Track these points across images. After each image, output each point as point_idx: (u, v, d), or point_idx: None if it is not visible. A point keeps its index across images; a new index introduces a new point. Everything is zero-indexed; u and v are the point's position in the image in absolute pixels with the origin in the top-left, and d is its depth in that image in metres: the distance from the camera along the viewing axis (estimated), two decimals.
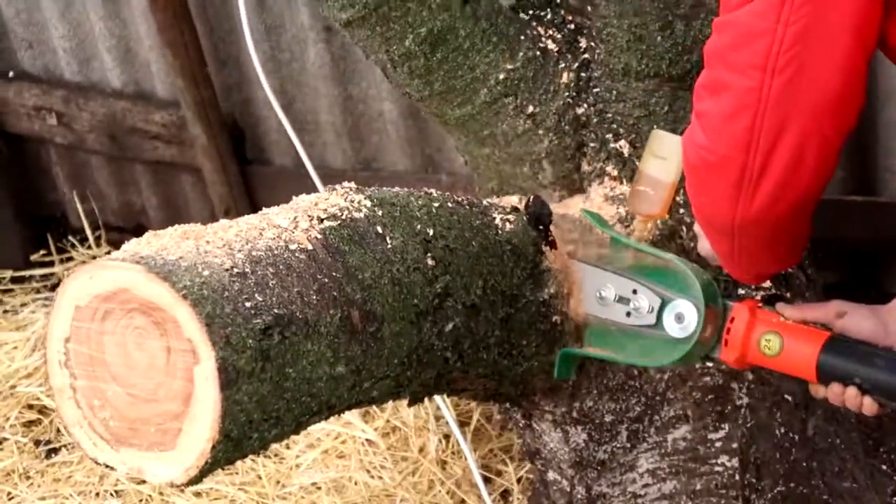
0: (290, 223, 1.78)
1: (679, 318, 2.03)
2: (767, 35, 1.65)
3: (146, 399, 1.61)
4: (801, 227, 1.92)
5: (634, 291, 2.09)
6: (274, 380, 1.64)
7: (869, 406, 1.97)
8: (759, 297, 2.28)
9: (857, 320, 2.02)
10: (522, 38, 2.32)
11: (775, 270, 2.10)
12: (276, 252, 1.71)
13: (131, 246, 1.67)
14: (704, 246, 2.11)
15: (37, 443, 3.49)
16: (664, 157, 2.22)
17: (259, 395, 1.62)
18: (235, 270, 1.64)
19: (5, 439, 3.51)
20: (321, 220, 1.81)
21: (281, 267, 1.70)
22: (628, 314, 2.10)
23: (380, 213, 1.89)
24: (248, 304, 1.61)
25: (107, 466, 1.67)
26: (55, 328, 1.65)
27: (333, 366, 1.73)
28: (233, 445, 1.61)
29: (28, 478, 3.39)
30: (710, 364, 2.31)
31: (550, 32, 2.33)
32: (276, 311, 1.64)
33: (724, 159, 1.74)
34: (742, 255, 1.93)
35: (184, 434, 1.59)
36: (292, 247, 1.74)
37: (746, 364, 2.06)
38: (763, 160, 1.72)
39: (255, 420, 1.63)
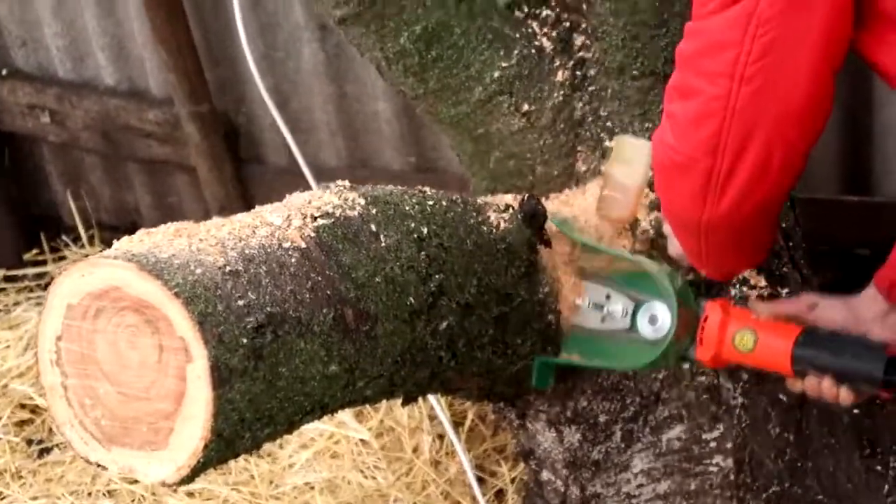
0: (284, 221, 1.77)
1: (652, 319, 2.06)
2: (736, 45, 1.68)
3: (138, 398, 1.60)
4: (766, 227, 1.96)
5: (608, 297, 2.12)
6: (267, 379, 1.63)
7: (845, 395, 1.99)
8: (755, 293, 2.28)
9: (829, 311, 2.04)
10: (517, 35, 2.30)
11: (743, 268, 2.14)
12: (269, 250, 1.70)
13: (123, 244, 1.67)
14: (674, 247, 2.12)
15: (29, 442, 3.48)
16: (629, 161, 2.24)
17: (252, 394, 1.61)
18: (228, 268, 1.63)
19: None
20: (315, 219, 1.80)
21: (274, 265, 1.69)
22: (603, 319, 2.12)
23: (374, 211, 1.88)
24: (240, 303, 1.61)
25: (98, 465, 1.67)
26: (47, 326, 1.65)
27: (327, 365, 1.73)
28: (225, 445, 1.61)
29: (20, 477, 3.38)
30: (687, 364, 2.31)
31: (545, 30, 2.32)
32: (268, 309, 1.63)
33: (691, 161, 1.78)
34: (710, 253, 1.96)
35: (176, 433, 1.59)
36: (286, 245, 1.73)
37: (722, 362, 2.09)
38: (730, 164, 1.75)
39: (248, 419, 1.62)
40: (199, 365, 1.55)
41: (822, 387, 1.99)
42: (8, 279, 4.30)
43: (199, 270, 1.60)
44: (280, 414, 1.69)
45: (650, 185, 2.13)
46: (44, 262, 4.35)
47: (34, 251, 4.38)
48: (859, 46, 1.74)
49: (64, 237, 4.40)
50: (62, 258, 4.33)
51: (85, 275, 1.60)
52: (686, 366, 2.31)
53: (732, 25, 1.68)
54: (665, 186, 1.88)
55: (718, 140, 1.73)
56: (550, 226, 2.18)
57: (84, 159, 4.31)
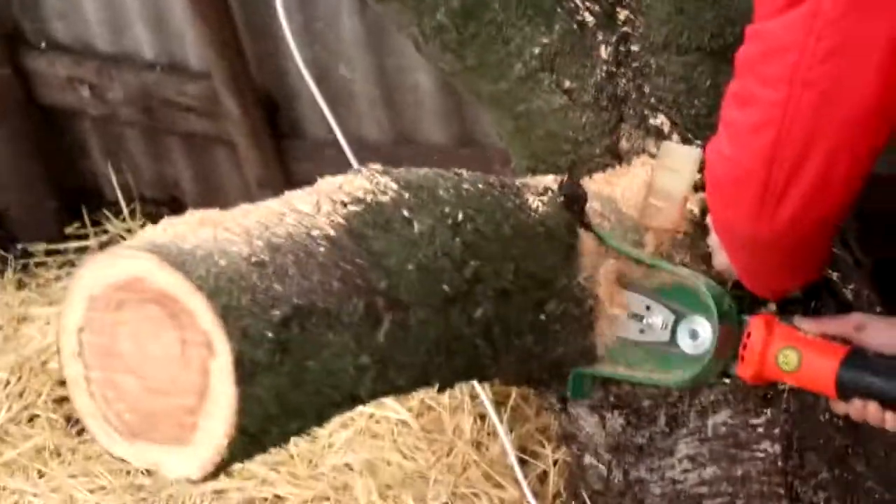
0: (313, 208, 1.72)
1: (693, 334, 1.98)
2: (797, 48, 1.59)
3: (161, 392, 1.56)
4: (822, 244, 1.88)
5: (648, 308, 2.04)
6: (293, 373, 1.58)
7: (892, 421, 1.92)
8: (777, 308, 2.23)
9: (877, 333, 1.96)
10: (559, 10, 2.24)
11: (794, 286, 2.05)
12: (296, 239, 1.65)
13: (148, 233, 1.62)
14: (720, 260, 2.06)
15: (68, 419, 3.47)
16: (676, 169, 2.17)
17: (278, 388, 1.56)
18: (254, 259, 1.58)
19: (37, 416, 3.49)
20: (345, 205, 1.75)
21: (301, 254, 1.63)
22: (642, 331, 2.05)
23: (406, 196, 1.83)
24: (266, 295, 1.56)
25: (122, 460, 1.63)
26: (68, 318, 1.60)
27: (357, 356, 1.68)
28: (250, 441, 1.56)
29: (59, 455, 3.37)
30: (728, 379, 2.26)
31: (588, 4, 2.26)
32: (295, 301, 1.58)
33: (747, 172, 1.69)
34: (761, 269, 1.89)
35: (200, 429, 1.54)
36: (314, 233, 1.67)
37: (764, 380, 2.03)
38: (787, 176, 1.66)
39: (274, 414, 1.57)
40: (222, 360, 1.50)
41: (867, 411, 1.93)
42: (49, 253, 4.30)
43: (223, 261, 1.55)
44: (308, 408, 1.64)
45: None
46: (85, 237, 4.34)
47: (76, 225, 4.37)
48: None
49: (105, 211, 4.39)
50: (104, 232, 4.32)
51: (107, 266, 1.56)
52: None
53: (795, 27, 1.59)
54: (718, 200, 1.81)
55: (776, 150, 1.64)
56: (591, 208, 2.13)
57: (124, 133, 4.29)
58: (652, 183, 2.21)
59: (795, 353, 1.95)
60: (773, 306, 2.18)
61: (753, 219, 1.73)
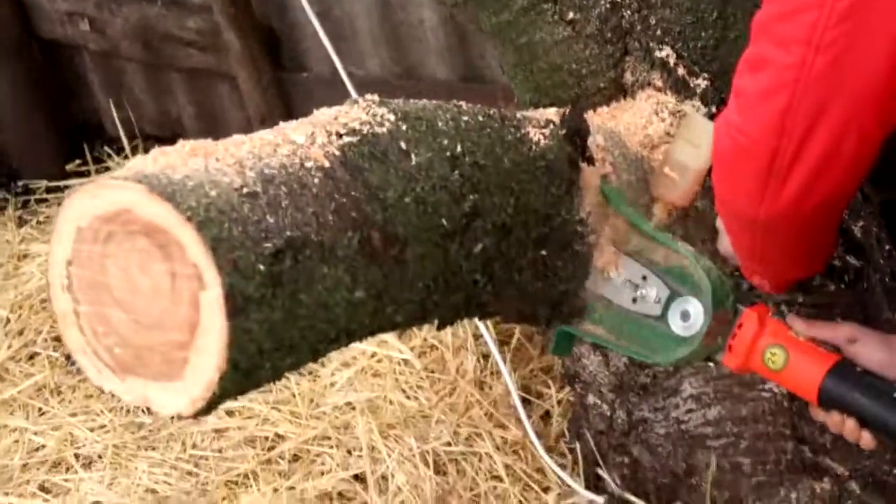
0: (307, 139, 1.66)
1: (684, 315, 1.90)
2: (815, 8, 1.52)
3: (151, 326, 1.51)
4: (827, 228, 1.82)
5: (644, 278, 1.96)
6: (286, 306, 1.53)
7: (867, 440, 1.88)
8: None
9: (868, 349, 1.90)
10: None
11: (794, 277, 1.99)
12: (290, 170, 1.60)
13: (137, 163, 1.57)
14: (724, 244, 2.00)
15: (68, 358, 3.44)
16: (696, 144, 2.11)
17: (270, 322, 1.51)
18: (246, 190, 1.53)
19: (37, 354, 3.47)
20: (340, 136, 1.69)
21: (295, 186, 1.58)
22: (634, 300, 1.97)
23: (404, 127, 1.77)
24: (258, 227, 1.51)
25: (113, 395, 1.59)
26: (57, 251, 1.56)
27: (352, 290, 1.63)
28: (242, 376, 1.52)
29: (59, 393, 3.35)
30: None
31: None
32: (288, 233, 1.53)
33: (755, 143, 1.62)
34: (764, 254, 1.82)
35: (190, 364, 1.50)
36: (308, 164, 1.62)
37: (749, 371, 1.97)
38: (797, 147, 1.58)
39: (267, 349, 1.53)
40: (212, 293, 1.45)
41: (845, 425, 1.88)
42: (50, 190, 4.26)
43: (213, 192, 1.50)
44: (302, 343, 1.59)
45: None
46: (87, 174, 4.30)
47: (77, 162, 4.32)
48: None
49: (107, 147, 4.35)
50: (106, 169, 4.28)
51: (94, 196, 1.50)
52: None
53: None
54: (723, 174, 1.74)
55: (786, 118, 1.57)
56: (595, 142, 2.08)
57: (126, 68, 4.25)
58: (669, 153, 2.15)
59: (783, 353, 1.90)
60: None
61: (758, 195, 1.67)
